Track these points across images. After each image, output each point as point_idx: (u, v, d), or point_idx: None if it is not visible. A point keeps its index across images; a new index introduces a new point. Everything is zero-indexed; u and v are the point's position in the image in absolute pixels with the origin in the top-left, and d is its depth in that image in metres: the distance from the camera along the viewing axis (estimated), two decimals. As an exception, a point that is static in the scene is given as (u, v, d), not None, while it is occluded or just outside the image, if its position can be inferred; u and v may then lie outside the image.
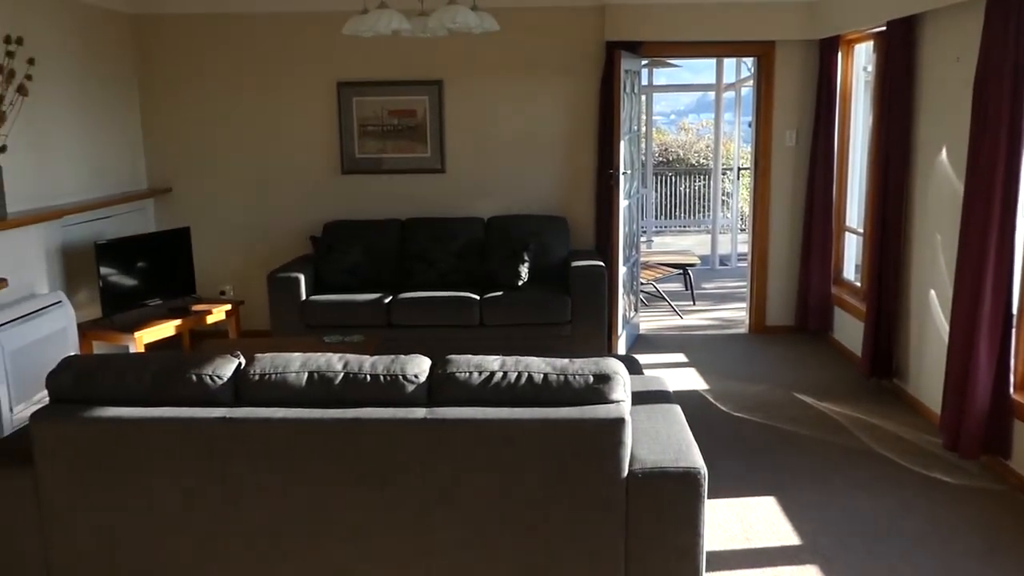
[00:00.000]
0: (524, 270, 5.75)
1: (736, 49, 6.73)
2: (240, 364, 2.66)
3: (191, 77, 6.28)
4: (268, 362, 2.59)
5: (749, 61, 8.85)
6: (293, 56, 6.24)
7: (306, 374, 2.56)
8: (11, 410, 4.31)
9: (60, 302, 4.84)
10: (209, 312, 5.42)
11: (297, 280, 5.54)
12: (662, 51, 6.42)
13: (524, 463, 2.45)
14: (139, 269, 5.36)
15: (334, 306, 5.53)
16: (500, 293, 5.62)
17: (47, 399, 2.64)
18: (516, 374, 2.56)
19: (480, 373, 2.57)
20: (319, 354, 2.65)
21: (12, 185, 4.70)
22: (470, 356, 2.64)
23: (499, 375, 2.56)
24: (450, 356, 2.65)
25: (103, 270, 5.06)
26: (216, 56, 6.27)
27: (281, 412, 2.49)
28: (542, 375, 2.55)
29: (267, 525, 2.53)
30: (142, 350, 4.92)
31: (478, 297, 5.59)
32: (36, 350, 4.54)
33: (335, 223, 6.14)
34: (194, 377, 2.56)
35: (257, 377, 2.56)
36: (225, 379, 2.58)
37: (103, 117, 5.77)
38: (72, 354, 2.68)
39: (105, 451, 2.52)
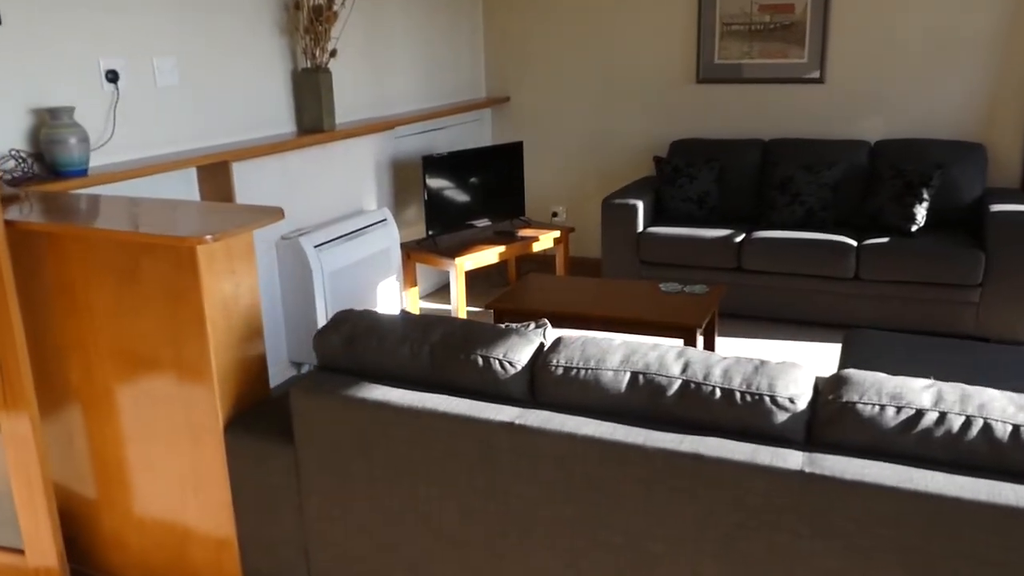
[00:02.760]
0: (921, 211, 4.45)
1: None
2: (542, 346, 1.96)
3: (535, -27, 5.66)
4: (578, 350, 1.86)
5: None
6: (649, -57, 5.34)
7: (628, 375, 1.78)
8: (329, 333, 4.09)
9: (385, 220, 4.56)
10: (536, 239, 4.88)
11: (634, 208, 4.78)
12: None
13: (956, 568, 1.48)
14: (466, 186, 4.94)
15: (674, 241, 4.70)
16: (885, 240, 4.40)
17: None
18: (963, 420, 1.56)
19: (899, 408, 1.61)
20: (650, 345, 1.85)
21: (343, 94, 4.43)
22: (879, 377, 1.68)
23: (932, 416, 1.58)
24: (848, 374, 1.72)
25: (429, 186, 4.69)
26: (563, -53, 5.56)
27: (590, 426, 1.75)
28: (1011, 427, 1.53)
29: (559, 570, 1.84)
30: (462, 279, 4.51)
31: (855, 243, 4.43)
32: (359, 271, 4.30)
33: (684, 142, 5.24)
34: (480, 360, 1.91)
35: (561, 370, 1.84)
36: (520, 367, 1.90)
37: (442, 21, 5.36)
38: (346, 310, 2.16)
39: (369, 439, 1.97)
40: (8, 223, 2.25)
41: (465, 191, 4.93)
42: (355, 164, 4.54)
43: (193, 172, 3.57)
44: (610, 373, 1.79)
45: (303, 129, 4.15)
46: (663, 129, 5.51)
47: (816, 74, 5.08)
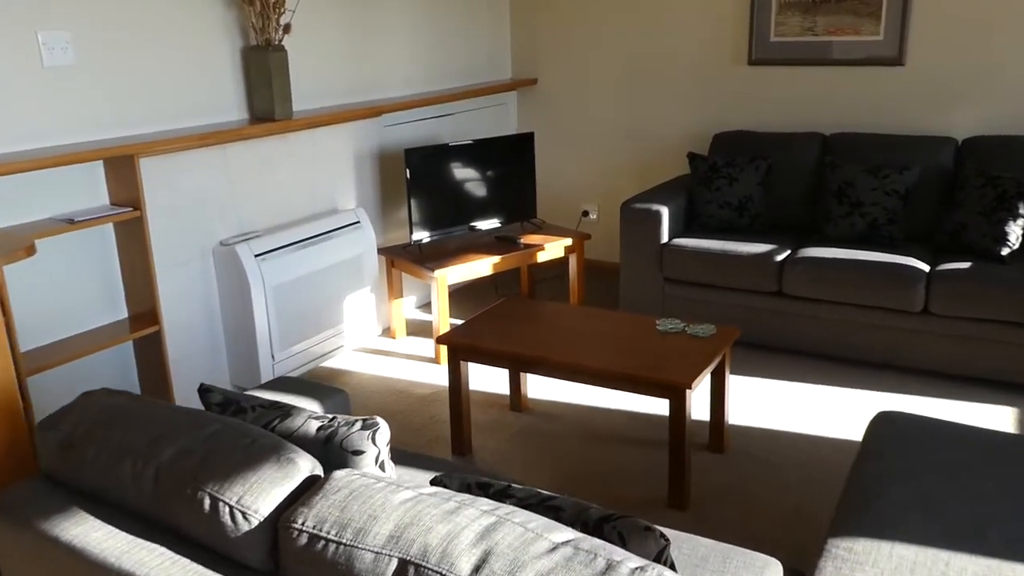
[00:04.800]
0: (1016, 231, 3.52)
1: None
2: (304, 487, 1.27)
3: (566, -66, 4.89)
4: (337, 507, 1.17)
5: None
6: None
7: (394, 562, 1.08)
8: (272, 357, 3.51)
9: (358, 223, 3.93)
10: (540, 248, 4.15)
11: (657, 215, 3.99)
12: None
13: None
14: (466, 183, 4.25)
15: (703, 256, 3.90)
16: (967, 265, 3.49)
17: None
18: None
19: None
20: (450, 507, 1.15)
21: (316, 75, 3.80)
22: None
23: None
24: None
25: (413, 184, 4.02)
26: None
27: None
28: None
29: None
30: (444, 294, 3.84)
31: (927, 267, 3.54)
32: (317, 283, 3.69)
33: (727, 135, 4.40)
34: (207, 501, 1.24)
35: (305, 537, 1.15)
36: (259, 519, 1.22)
37: (452, -12, 4.66)
38: (85, 393, 1.53)
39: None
40: None
41: (463, 189, 4.24)
42: (326, 157, 3.92)
43: (98, 168, 3.02)
44: (369, 556, 1.09)
45: (255, 117, 3.55)
46: (706, 119, 4.67)
47: (894, 53, 4.14)
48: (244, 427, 1.39)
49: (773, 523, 2.63)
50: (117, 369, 3.18)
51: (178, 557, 1.25)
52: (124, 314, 3.17)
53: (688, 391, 2.60)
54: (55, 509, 1.38)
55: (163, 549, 1.26)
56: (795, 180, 4.14)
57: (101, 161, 3.01)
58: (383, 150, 4.25)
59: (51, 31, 2.82)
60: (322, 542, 1.13)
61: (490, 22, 4.97)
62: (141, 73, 3.11)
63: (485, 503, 1.14)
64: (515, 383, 3.42)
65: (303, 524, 1.15)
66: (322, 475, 1.31)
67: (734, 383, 3.58)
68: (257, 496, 1.22)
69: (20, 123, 2.78)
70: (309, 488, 1.24)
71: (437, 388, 3.64)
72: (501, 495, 1.32)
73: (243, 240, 3.43)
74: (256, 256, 3.41)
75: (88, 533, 1.31)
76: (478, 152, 4.25)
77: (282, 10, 3.42)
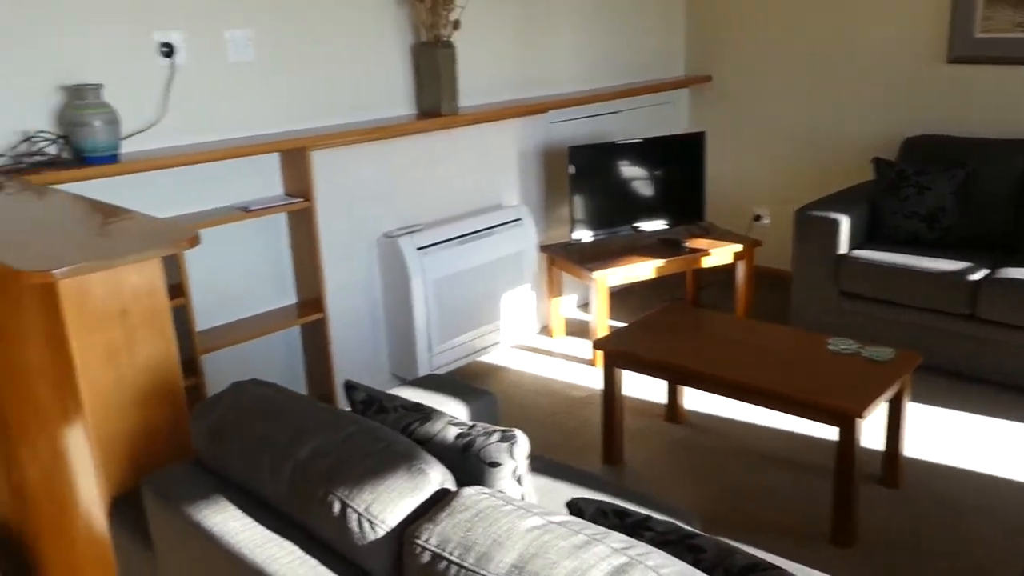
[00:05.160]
0: None
1: None
2: (433, 500, 1.23)
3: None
4: (462, 527, 1.11)
5: None
6: None
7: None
8: (430, 349, 3.55)
9: (520, 219, 3.91)
10: (706, 252, 3.98)
11: (835, 224, 3.72)
12: None
13: None
14: (631, 183, 4.13)
15: (886, 271, 3.60)
16: None
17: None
18: None
19: None
20: (580, 540, 1.07)
21: (482, 72, 3.80)
22: None
23: None
24: None
25: (576, 182, 3.95)
26: None
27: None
28: None
29: None
30: (604, 296, 3.75)
31: None
32: (477, 278, 3.70)
33: (921, 139, 4.04)
34: (337, 505, 1.22)
35: (428, 556, 1.11)
36: (385, 529, 1.19)
37: (628, -17, 4.55)
38: (234, 384, 1.56)
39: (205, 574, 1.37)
40: (-83, 227, 1.89)
41: (628, 188, 4.13)
42: (491, 153, 3.92)
43: (274, 160, 3.15)
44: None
45: (422, 112, 3.59)
46: (898, 121, 4.31)
47: None
48: (380, 431, 1.37)
49: None
50: (285, 352, 3.31)
51: (307, 557, 1.24)
52: (293, 300, 3.29)
53: (859, 420, 2.39)
54: (201, 495, 1.41)
55: (294, 547, 1.26)
56: (996, 191, 3.74)
57: (277, 153, 3.13)
58: (548, 147, 4.21)
59: (236, 29, 2.95)
60: (444, 563, 1.08)
61: (662, 17, 4.82)
62: (315, 69, 3.21)
63: (618, 540, 1.05)
64: (672, 393, 3.28)
65: (427, 541, 1.11)
66: (453, 488, 1.27)
67: (913, 411, 3.28)
68: (385, 506, 1.19)
69: (207, 116, 2.93)
70: (439, 501, 1.20)
71: (592, 392, 3.56)
72: (638, 527, 1.23)
73: (406, 233, 3.48)
74: (418, 249, 3.45)
75: (227, 522, 1.33)
76: (645, 151, 4.13)
77: (452, 6, 3.44)
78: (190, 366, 2.83)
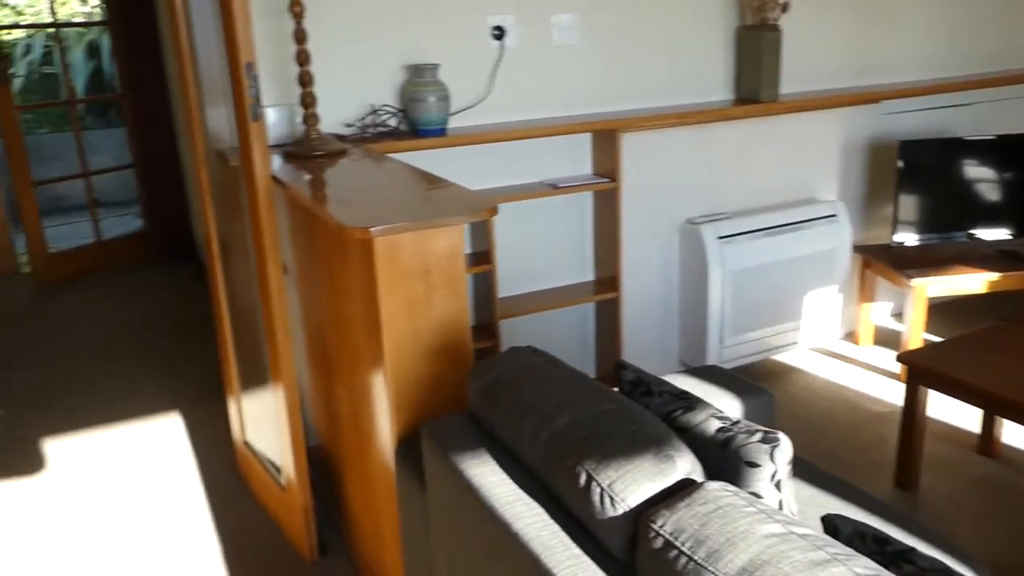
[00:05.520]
0: None
1: None
2: (678, 487, 1.22)
3: None
4: (697, 519, 1.10)
5: None
6: None
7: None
8: (721, 341, 3.48)
9: (835, 216, 3.68)
10: (1055, 269, 3.46)
11: None
12: None
13: None
14: (971, 184, 3.70)
15: None
16: None
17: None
18: None
19: None
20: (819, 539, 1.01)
21: (809, 57, 3.61)
22: None
23: None
24: None
25: (904, 180, 3.62)
26: None
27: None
28: None
29: None
30: (921, 306, 3.42)
31: None
32: (781, 274, 3.55)
33: None
34: (583, 477, 1.26)
35: (660, 542, 1.11)
36: (624, 508, 1.21)
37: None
38: (510, 349, 1.65)
39: (460, 522, 1.48)
40: (277, 182, 2.23)
41: (968, 190, 3.71)
42: (810, 144, 3.72)
43: (585, 140, 3.25)
44: (718, 581, 1.01)
45: (740, 98, 3.50)
46: None
47: None
48: (637, 412, 1.39)
49: None
50: (578, 327, 3.43)
51: (550, 521, 1.30)
52: (590, 277, 3.39)
53: None
54: (468, 446, 1.53)
55: (540, 510, 1.33)
56: None
57: (589, 134, 3.23)
58: (875, 140, 3.90)
59: (563, 13, 3.08)
60: (675, 551, 1.08)
61: (1040, -2, 4.22)
62: (633, 53, 3.26)
63: (863, 565, 0.98)
64: (988, 422, 2.93)
65: (661, 527, 1.11)
66: (700, 480, 1.25)
67: None
68: (627, 485, 1.21)
69: (527, 96, 3.10)
70: (682, 490, 1.19)
71: (894, 408, 3.28)
72: (897, 558, 1.13)
73: (709, 221, 3.43)
74: (720, 238, 3.39)
75: (486, 475, 1.43)
76: (998, 149, 3.68)
77: (785, -12, 3.30)
78: (489, 329, 3.04)
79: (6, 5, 8.18)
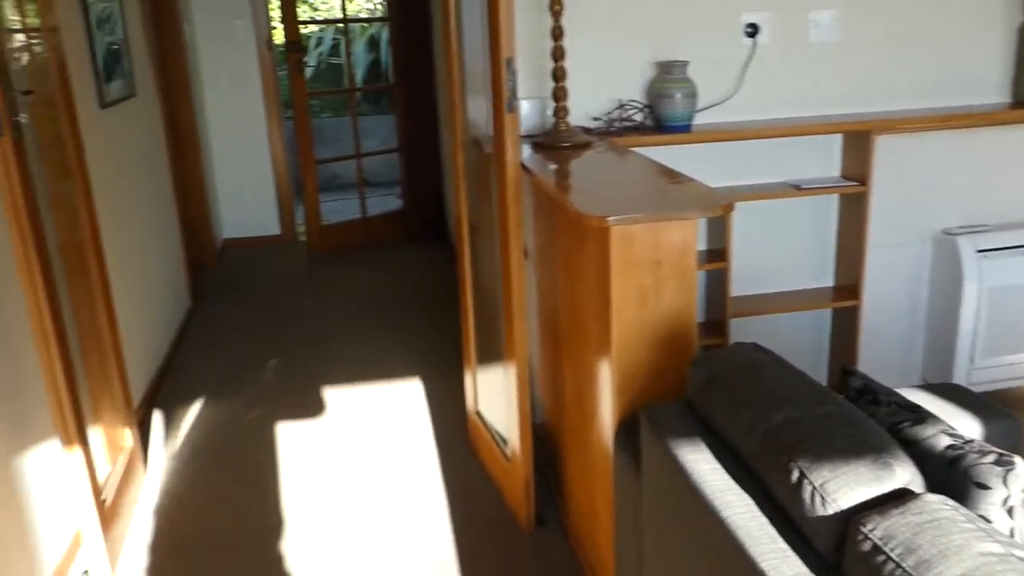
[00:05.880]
0: None
1: None
2: (893, 495, 1.20)
3: None
4: (910, 528, 1.09)
5: None
6: None
7: (950, 609, 0.98)
8: (971, 361, 3.24)
9: (1124, 236, 3.28)
10: None
11: None
12: None
13: None
14: None
15: None
16: None
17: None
18: None
19: None
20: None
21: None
22: None
23: None
24: None
25: None
26: None
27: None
28: None
29: None
30: None
31: None
32: (1046, 295, 3.25)
33: None
34: (796, 474, 1.28)
35: (868, 545, 1.11)
36: (835, 508, 1.21)
37: None
38: (736, 344, 1.66)
39: (672, 507, 1.54)
40: (525, 170, 2.38)
41: None
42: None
43: (834, 141, 3.15)
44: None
45: (1017, 101, 3.22)
46: None
47: None
48: (859, 418, 1.38)
49: None
50: (811, 332, 3.34)
51: (759, 513, 1.33)
52: (829, 282, 3.29)
53: None
54: (684, 433, 1.58)
55: (750, 501, 1.36)
56: None
57: (839, 135, 3.12)
58: None
59: (820, 10, 3.00)
60: (883, 557, 1.08)
61: None
62: (896, 51, 3.10)
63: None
64: None
65: (871, 531, 1.11)
66: (919, 492, 1.23)
67: None
68: (840, 487, 1.22)
69: (776, 94, 3.06)
70: (897, 499, 1.18)
71: None
72: None
73: (968, 232, 3.20)
74: (979, 251, 3.15)
75: (699, 462, 1.48)
76: None
77: (1083, -18, 2.99)
78: (719, 327, 3.05)
79: (305, 2, 9.16)
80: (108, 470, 2.74)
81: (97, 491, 2.48)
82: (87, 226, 2.71)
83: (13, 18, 2.43)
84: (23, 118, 2.18)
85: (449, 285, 4.95)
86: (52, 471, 2.48)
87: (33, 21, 2.55)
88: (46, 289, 2.22)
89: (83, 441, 2.40)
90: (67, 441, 2.35)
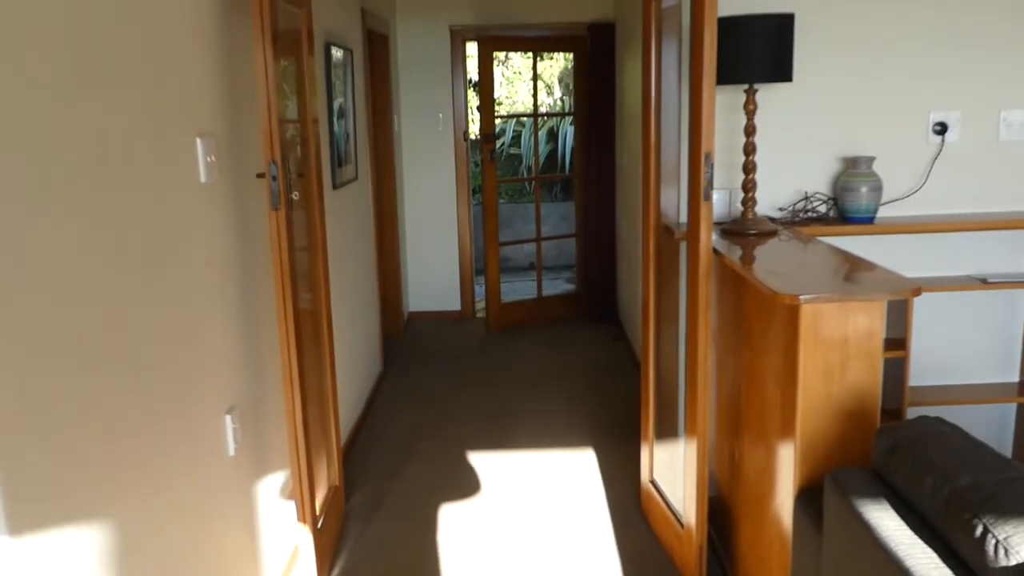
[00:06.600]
0: None
1: None
2: (1078, 552, 1.30)
3: None
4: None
5: None
6: None
7: None
8: None
9: None
10: None
11: None
12: None
13: None
14: None
15: None
16: None
17: None
18: None
19: None
20: None
21: None
22: None
23: None
24: None
25: None
26: None
27: None
28: None
29: None
30: None
31: None
32: None
33: None
34: (979, 528, 1.39)
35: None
36: (1015, 561, 1.32)
37: None
38: (920, 416, 1.78)
39: (854, 567, 1.66)
40: (716, 253, 2.59)
41: None
42: None
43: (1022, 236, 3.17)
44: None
45: None
46: None
47: None
48: (1043, 486, 1.47)
49: None
50: (992, 427, 3.30)
51: (943, 566, 1.44)
52: (1015, 378, 3.25)
53: None
54: (869, 494, 1.71)
55: (934, 555, 1.47)
56: None
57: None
58: None
59: (1012, 109, 3.08)
60: (1064, 601, 1.18)
61: None
62: (1095, 151, 3.12)
63: None
64: None
65: (1052, 579, 1.22)
66: (1103, 555, 1.32)
67: None
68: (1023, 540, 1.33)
69: (962, 189, 3.14)
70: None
71: None
72: None
73: None
74: None
75: (884, 520, 1.61)
76: None
77: None
78: (896, 416, 3.09)
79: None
80: (320, 499, 3.09)
81: (315, 517, 2.82)
82: (322, 294, 3.13)
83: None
84: (295, 195, 2.62)
85: (615, 363, 5.18)
86: (276, 498, 2.85)
87: (292, 113, 3.03)
88: (297, 345, 2.60)
89: (310, 475, 2.75)
90: (298, 474, 2.70)
